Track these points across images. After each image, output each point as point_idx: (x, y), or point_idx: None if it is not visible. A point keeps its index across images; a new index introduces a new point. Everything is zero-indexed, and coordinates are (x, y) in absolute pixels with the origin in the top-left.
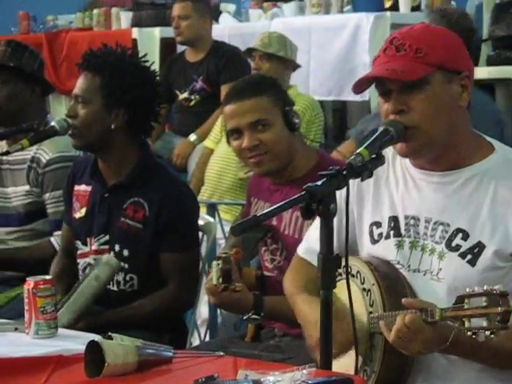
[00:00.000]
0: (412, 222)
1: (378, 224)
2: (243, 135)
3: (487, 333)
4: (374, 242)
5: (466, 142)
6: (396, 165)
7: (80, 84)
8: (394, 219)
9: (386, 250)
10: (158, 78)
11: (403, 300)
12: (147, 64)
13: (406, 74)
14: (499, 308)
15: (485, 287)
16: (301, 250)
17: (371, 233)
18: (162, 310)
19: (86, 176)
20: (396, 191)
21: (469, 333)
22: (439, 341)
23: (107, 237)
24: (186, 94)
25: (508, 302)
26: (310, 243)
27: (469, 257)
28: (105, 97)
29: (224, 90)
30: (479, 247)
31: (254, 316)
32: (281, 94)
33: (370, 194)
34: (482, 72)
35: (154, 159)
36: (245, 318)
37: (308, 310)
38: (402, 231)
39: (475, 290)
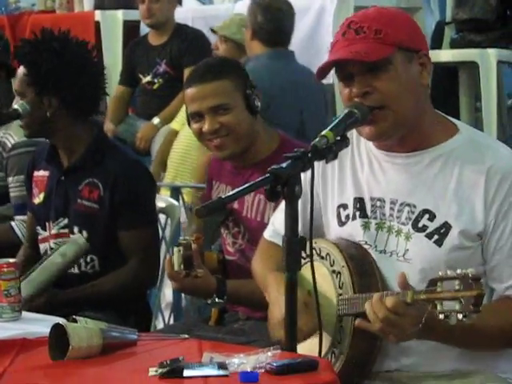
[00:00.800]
0: (378, 203)
1: (344, 206)
2: (204, 119)
3: (460, 316)
4: (342, 223)
5: (429, 122)
6: (360, 147)
7: (18, 75)
8: (360, 200)
9: (353, 230)
10: (93, 55)
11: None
12: (79, 44)
13: (370, 54)
14: (472, 291)
15: (458, 271)
16: (267, 233)
17: (339, 215)
18: (123, 287)
19: (44, 161)
20: (361, 173)
21: (441, 316)
22: (413, 323)
23: (66, 220)
24: (149, 78)
25: (481, 285)
26: (275, 226)
27: (435, 237)
28: (33, 87)
29: (187, 73)
30: (446, 227)
31: (218, 300)
32: (243, 77)
33: (335, 176)
34: (445, 55)
35: (106, 139)
36: (208, 302)
37: (277, 290)
38: (369, 213)
39: (448, 273)
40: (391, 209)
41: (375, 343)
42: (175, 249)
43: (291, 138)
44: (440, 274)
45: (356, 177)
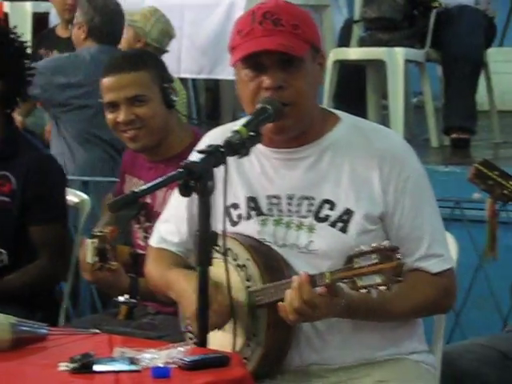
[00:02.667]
0: (274, 201)
1: (235, 206)
2: (119, 109)
3: (382, 288)
4: (234, 223)
5: (317, 117)
6: None
7: None
8: (253, 200)
9: (248, 230)
10: (27, 49)
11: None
12: (16, 36)
13: (295, 49)
14: (392, 262)
15: (373, 244)
16: (154, 241)
17: (229, 215)
18: (33, 283)
19: None
20: (251, 173)
21: (363, 290)
22: (336, 303)
23: None
24: None
25: (398, 254)
26: (161, 233)
27: (339, 225)
28: None
29: None
30: (348, 214)
31: (131, 300)
32: (160, 70)
33: (220, 177)
34: (353, 53)
35: (19, 133)
36: (121, 301)
37: (183, 283)
38: (265, 211)
39: (363, 248)
40: (289, 204)
41: (291, 332)
42: (89, 241)
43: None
44: (356, 250)
45: (245, 176)
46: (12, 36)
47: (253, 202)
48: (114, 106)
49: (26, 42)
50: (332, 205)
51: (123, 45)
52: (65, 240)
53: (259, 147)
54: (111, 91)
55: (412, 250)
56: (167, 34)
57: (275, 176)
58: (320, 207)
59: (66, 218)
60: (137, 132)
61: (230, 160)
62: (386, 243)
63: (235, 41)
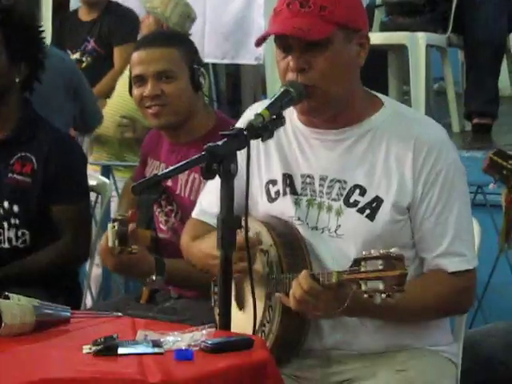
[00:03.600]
0: (308, 180)
1: (273, 182)
2: (147, 83)
3: (383, 296)
4: (272, 200)
5: (359, 99)
6: (286, 125)
7: None
8: (289, 177)
9: (285, 207)
10: (43, 33)
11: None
12: (34, 19)
13: (312, 32)
14: (395, 271)
15: (381, 250)
16: (194, 213)
17: (268, 191)
18: (57, 262)
19: None
20: (288, 150)
21: (365, 295)
22: (338, 303)
23: None
24: (77, 55)
25: (403, 264)
26: (203, 206)
27: (367, 211)
28: (9, 49)
29: (117, 51)
30: (377, 202)
31: (159, 277)
32: (192, 51)
33: (260, 153)
34: (375, 38)
35: (37, 114)
36: (148, 281)
37: (207, 244)
38: (299, 190)
39: (371, 252)
40: (321, 185)
41: (304, 321)
42: (109, 225)
43: (228, 118)
44: (364, 253)
45: (283, 153)
46: (31, 20)
47: (288, 179)
48: (141, 79)
49: (42, 26)
50: (363, 190)
51: (144, 32)
52: (87, 220)
53: (299, 126)
54: (140, 64)
55: (433, 246)
56: (188, 16)
57: (311, 155)
58: (351, 192)
59: (88, 197)
60: (161, 109)
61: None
62: (393, 250)
63: (271, 18)
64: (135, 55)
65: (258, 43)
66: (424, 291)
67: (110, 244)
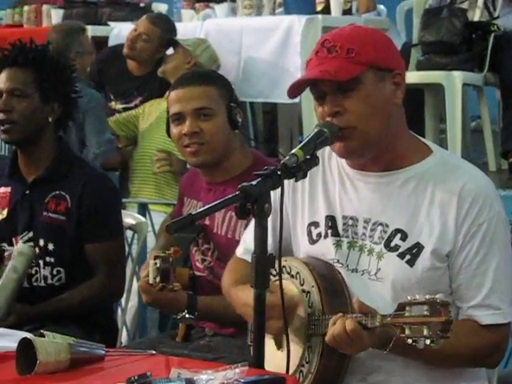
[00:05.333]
0: (350, 222)
1: (316, 224)
2: (185, 121)
3: (427, 341)
4: (313, 242)
5: (403, 142)
6: (332, 165)
7: (12, 78)
8: (332, 219)
9: (325, 249)
10: (74, 74)
11: (354, 299)
12: (67, 61)
13: (339, 74)
14: (440, 317)
15: (427, 296)
16: (239, 252)
17: (309, 233)
18: (92, 299)
19: (3, 178)
20: (333, 191)
21: (409, 340)
22: (378, 346)
23: (31, 233)
24: (119, 105)
25: (449, 311)
26: (247, 244)
27: (407, 257)
28: (42, 90)
29: None
30: (418, 248)
31: (188, 315)
32: (229, 90)
33: (305, 194)
34: (411, 77)
35: (71, 152)
36: (178, 317)
37: (246, 295)
38: (340, 231)
39: (417, 298)
40: (364, 228)
41: (343, 363)
42: (151, 261)
43: (264, 157)
44: (409, 298)
45: (327, 194)
46: (64, 60)
47: (331, 221)
48: (180, 117)
49: (74, 65)
50: (404, 235)
51: (171, 65)
52: (121, 257)
53: (345, 166)
54: (179, 102)
55: (469, 297)
56: (215, 61)
57: (355, 197)
58: (392, 236)
59: (122, 234)
60: (199, 147)
61: (316, 177)
62: (439, 296)
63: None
64: (173, 94)
65: (293, 94)
66: (456, 339)
67: (151, 280)
